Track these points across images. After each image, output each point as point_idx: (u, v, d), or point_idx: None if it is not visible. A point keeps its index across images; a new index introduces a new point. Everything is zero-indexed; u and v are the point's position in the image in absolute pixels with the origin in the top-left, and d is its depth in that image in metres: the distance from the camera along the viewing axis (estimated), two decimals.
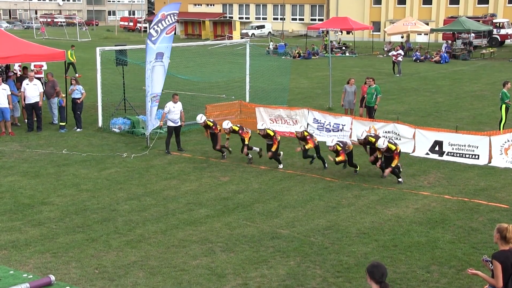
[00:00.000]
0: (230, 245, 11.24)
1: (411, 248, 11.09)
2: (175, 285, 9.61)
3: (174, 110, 18.23)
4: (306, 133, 16.46)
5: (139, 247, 11.10)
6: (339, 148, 15.57)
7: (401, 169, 15.48)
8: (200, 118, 17.60)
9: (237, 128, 17.14)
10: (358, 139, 16.19)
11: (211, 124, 17.50)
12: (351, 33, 56.80)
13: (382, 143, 14.98)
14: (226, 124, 17.13)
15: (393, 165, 14.97)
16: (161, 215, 12.88)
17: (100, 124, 21.44)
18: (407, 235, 11.78)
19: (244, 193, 14.39)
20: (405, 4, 71.16)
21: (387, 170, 15.10)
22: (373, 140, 15.54)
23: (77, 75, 33.07)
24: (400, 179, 15.22)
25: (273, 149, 16.45)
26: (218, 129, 17.51)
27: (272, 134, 16.51)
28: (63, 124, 21.16)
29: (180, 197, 14.04)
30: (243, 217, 12.78)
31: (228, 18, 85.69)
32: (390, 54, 42.29)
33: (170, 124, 18.19)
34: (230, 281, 9.77)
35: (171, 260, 10.54)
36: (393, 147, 14.99)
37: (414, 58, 48.16)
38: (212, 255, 10.77)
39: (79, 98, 21.08)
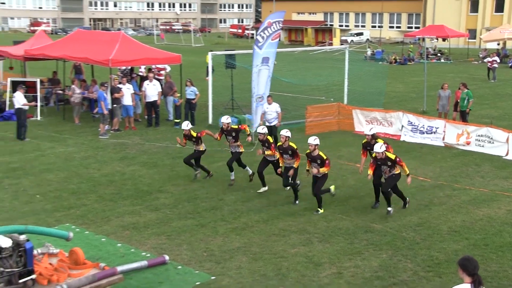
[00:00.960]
0: (326, 236, 11.22)
1: (503, 248, 10.59)
2: (274, 271, 9.71)
3: (268, 111, 18.53)
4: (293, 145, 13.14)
5: (243, 234, 11.30)
6: (324, 157, 12.53)
7: (407, 201, 12.89)
8: (187, 125, 14.87)
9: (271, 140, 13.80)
10: (365, 135, 13.44)
11: (195, 134, 14.90)
12: (446, 40, 54.84)
13: (378, 147, 12.14)
14: (226, 119, 14.64)
15: (406, 170, 12.16)
16: (263, 206, 13.04)
17: (210, 121, 21.97)
18: (498, 235, 11.26)
19: (341, 189, 14.27)
20: (502, 11, 67.75)
21: (408, 179, 12.26)
22: (381, 141, 12.77)
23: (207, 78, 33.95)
24: (389, 209, 12.34)
25: (278, 159, 13.47)
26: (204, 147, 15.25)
27: (272, 140, 13.86)
28: (178, 120, 21.87)
29: (281, 190, 14.12)
30: (339, 211, 12.70)
31: (328, 25, 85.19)
32: (485, 60, 40.45)
33: (266, 124, 18.44)
34: (326, 269, 9.76)
35: (272, 248, 10.65)
36: (392, 157, 12.14)
37: (510, 65, 45.73)
38: (309, 245, 10.79)
39: (193, 99, 21.74)
